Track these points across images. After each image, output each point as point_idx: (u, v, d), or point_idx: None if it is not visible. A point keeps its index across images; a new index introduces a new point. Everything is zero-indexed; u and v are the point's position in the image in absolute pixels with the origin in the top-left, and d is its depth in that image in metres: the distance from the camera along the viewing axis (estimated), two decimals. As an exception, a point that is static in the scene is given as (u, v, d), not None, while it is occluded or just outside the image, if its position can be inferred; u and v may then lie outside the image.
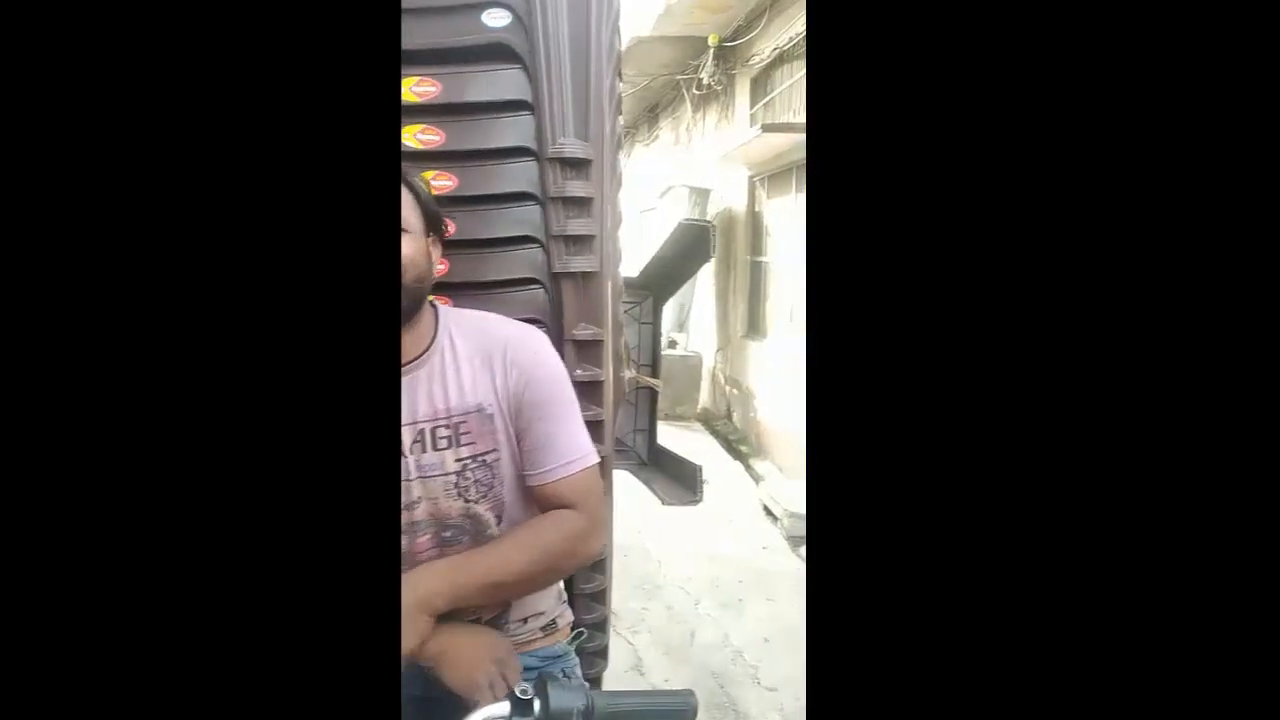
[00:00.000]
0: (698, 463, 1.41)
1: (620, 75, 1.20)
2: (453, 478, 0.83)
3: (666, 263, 1.47)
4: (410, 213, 0.80)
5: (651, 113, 7.22)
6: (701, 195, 5.31)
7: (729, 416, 5.49)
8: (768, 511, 3.55)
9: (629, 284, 1.63)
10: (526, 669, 0.91)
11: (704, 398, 5.83)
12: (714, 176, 5.45)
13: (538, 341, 0.87)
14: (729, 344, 5.55)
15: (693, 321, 6.03)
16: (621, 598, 2.65)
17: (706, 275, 5.65)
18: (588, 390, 1.06)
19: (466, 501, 0.84)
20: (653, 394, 1.67)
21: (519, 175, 1.00)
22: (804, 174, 3.98)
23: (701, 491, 1.39)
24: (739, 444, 4.93)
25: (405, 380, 0.81)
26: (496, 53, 0.97)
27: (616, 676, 2.14)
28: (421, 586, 0.76)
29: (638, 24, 5.04)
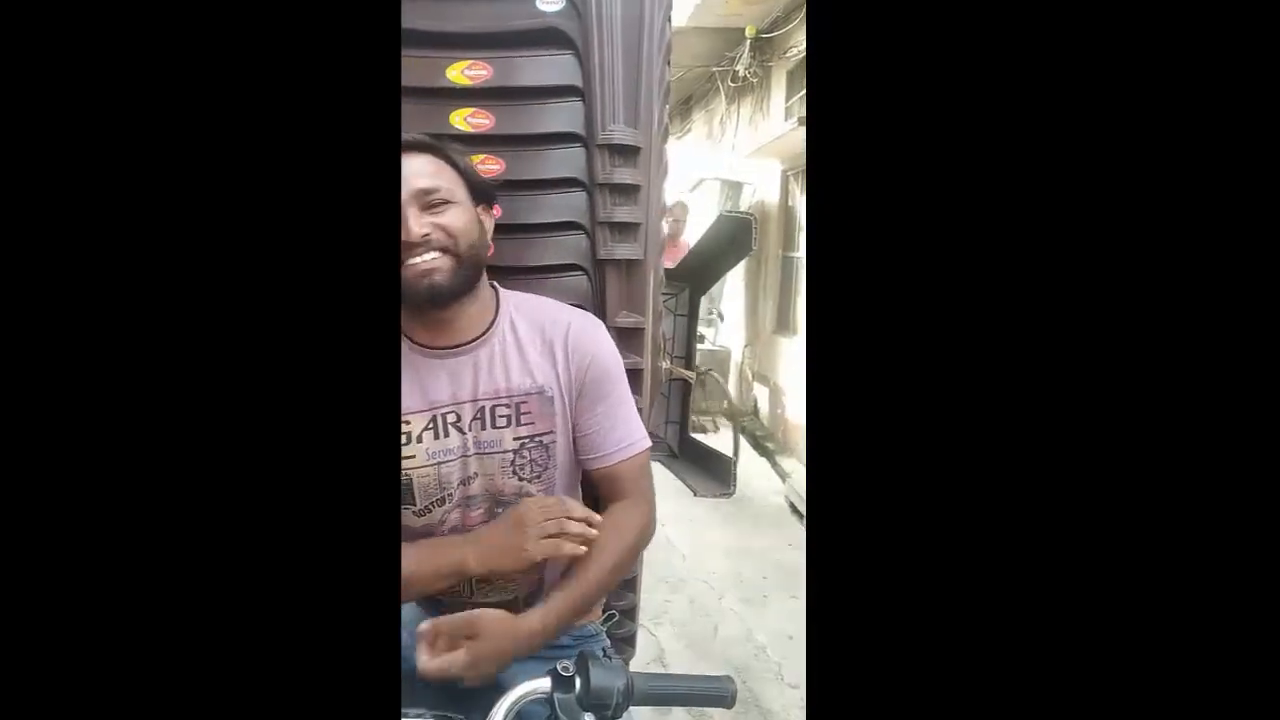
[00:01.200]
0: (730, 455, 1.41)
1: (669, 62, 1.20)
2: (509, 455, 0.84)
3: (705, 255, 1.46)
4: (453, 184, 0.81)
5: (685, 105, 7.18)
6: (734, 189, 5.28)
7: (755, 413, 5.46)
8: (793, 508, 3.53)
9: (666, 275, 1.63)
10: (560, 647, 0.92)
11: (731, 393, 5.80)
12: (748, 170, 5.41)
13: (598, 328, 0.89)
14: (758, 339, 5.52)
15: (722, 316, 5.99)
16: (646, 589, 2.65)
17: (737, 269, 5.62)
18: (629, 379, 1.07)
19: (521, 480, 0.86)
20: (686, 386, 1.67)
21: (567, 161, 1.00)
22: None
23: (734, 484, 1.38)
24: (765, 440, 4.90)
25: (466, 359, 0.83)
26: (549, 38, 0.97)
27: (638, 667, 2.15)
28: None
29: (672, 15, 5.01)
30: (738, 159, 5.44)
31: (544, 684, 0.62)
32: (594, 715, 0.61)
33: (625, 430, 0.87)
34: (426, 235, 0.77)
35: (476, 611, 0.74)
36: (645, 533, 0.87)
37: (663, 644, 2.29)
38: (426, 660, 0.71)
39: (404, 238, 0.76)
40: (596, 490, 0.89)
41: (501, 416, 0.84)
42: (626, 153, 0.98)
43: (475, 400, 0.83)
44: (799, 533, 3.26)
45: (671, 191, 7.08)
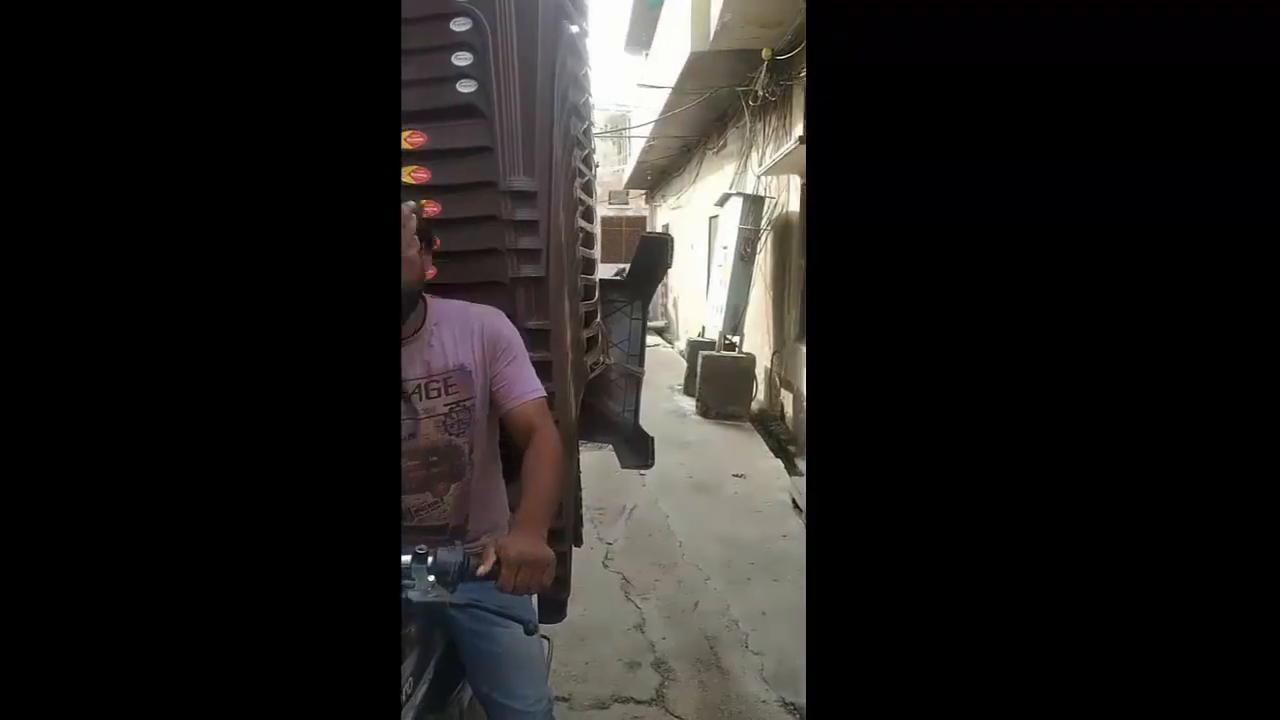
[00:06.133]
0: (651, 434, 1.69)
1: (585, 117, 1.50)
2: (442, 418, 1.18)
3: (638, 269, 1.75)
4: (407, 235, 1.13)
5: (720, 122, 7.45)
6: (756, 203, 5.50)
7: (781, 418, 5.64)
8: (795, 504, 3.72)
9: (619, 286, 1.92)
10: (493, 612, 1.21)
11: (760, 399, 6.00)
12: (770, 185, 5.63)
13: (500, 317, 1.24)
14: (784, 346, 5.70)
15: (748, 324, 6.20)
16: (638, 569, 2.93)
17: (761, 279, 5.83)
18: (540, 369, 1.37)
19: (450, 436, 1.19)
20: (638, 380, 1.95)
21: (486, 202, 1.32)
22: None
23: (652, 459, 1.66)
24: (789, 444, 5.08)
25: (406, 351, 1.16)
26: (467, 111, 1.29)
27: (621, 633, 2.43)
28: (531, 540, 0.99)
29: (697, 40, 5.32)
30: (761, 174, 5.67)
31: (405, 559, 0.92)
32: (437, 579, 0.90)
33: (526, 382, 1.20)
34: None
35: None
36: (559, 450, 1.16)
37: (645, 614, 2.56)
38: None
39: None
40: (511, 428, 1.19)
41: (434, 389, 1.18)
42: (524, 196, 1.29)
43: (414, 379, 1.17)
44: (795, 526, 3.46)
45: (701, 206, 7.27)
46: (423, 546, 0.92)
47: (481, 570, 0.92)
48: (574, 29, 1.39)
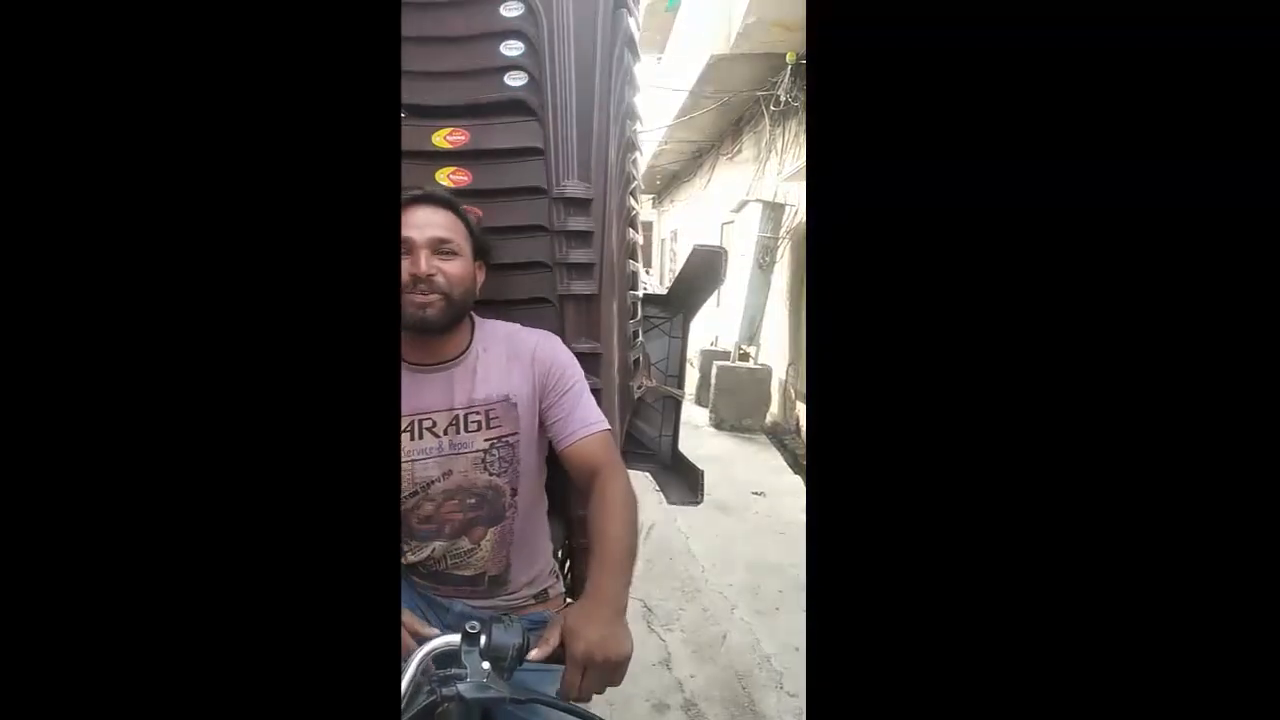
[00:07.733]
0: (701, 468, 1.53)
1: (638, 118, 1.36)
2: (480, 454, 1.02)
3: (686, 283, 1.60)
4: (462, 239, 1.00)
5: (736, 127, 7.31)
6: (776, 210, 5.36)
7: (797, 431, 5.49)
8: (819, 526, 3.58)
9: (660, 300, 1.77)
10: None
11: (774, 411, 5.85)
12: (789, 192, 5.49)
13: (555, 341, 1.09)
14: (800, 359, 5.55)
15: (764, 335, 6.06)
16: (661, 596, 2.78)
17: (779, 289, 5.68)
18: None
19: (490, 475, 1.03)
20: (677, 403, 1.80)
21: (532, 210, 1.17)
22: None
23: (702, 494, 1.51)
24: (804, 458, 4.93)
25: (445, 374, 1.02)
26: (515, 108, 1.14)
27: (645, 670, 2.28)
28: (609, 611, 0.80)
29: (716, 43, 5.18)
30: (779, 181, 5.53)
31: (455, 639, 0.77)
32: (491, 665, 0.75)
33: (588, 414, 1.03)
34: (431, 275, 0.96)
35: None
36: (631, 493, 0.96)
37: (670, 648, 2.41)
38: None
39: (413, 271, 0.95)
40: (570, 468, 1.01)
41: (473, 422, 1.01)
42: (579, 204, 1.14)
43: (451, 409, 1.01)
44: (822, 549, 3.31)
45: (711, 212, 7.11)
46: (474, 624, 0.76)
47: (535, 654, 0.76)
48: (631, 19, 1.25)
